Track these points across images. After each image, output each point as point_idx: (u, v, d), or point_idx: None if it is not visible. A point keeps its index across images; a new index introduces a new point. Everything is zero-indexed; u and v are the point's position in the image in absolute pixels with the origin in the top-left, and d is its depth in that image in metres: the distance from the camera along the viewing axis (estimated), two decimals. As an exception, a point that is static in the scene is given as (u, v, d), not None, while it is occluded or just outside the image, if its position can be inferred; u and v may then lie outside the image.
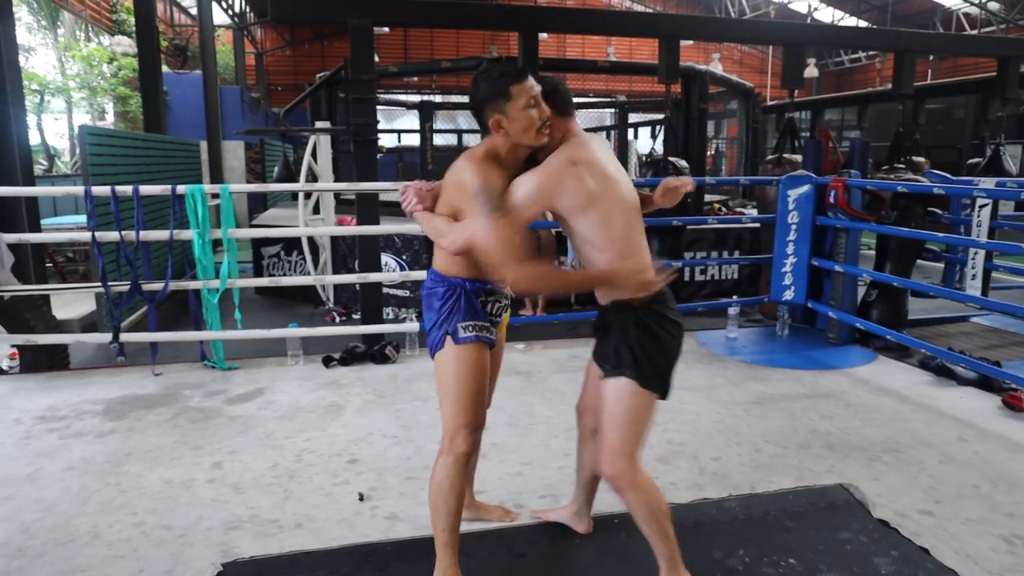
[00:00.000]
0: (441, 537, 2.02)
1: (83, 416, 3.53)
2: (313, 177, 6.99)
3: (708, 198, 9.28)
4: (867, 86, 22.37)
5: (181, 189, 4.14)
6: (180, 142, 9.62)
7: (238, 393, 3.90)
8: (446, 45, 23.51)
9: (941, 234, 4.97)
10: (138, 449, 3.14)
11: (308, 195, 7.10)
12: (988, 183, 5.19)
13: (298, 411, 3.62)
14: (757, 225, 7.07)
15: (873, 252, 5.38)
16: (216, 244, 4.36)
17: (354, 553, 2.31)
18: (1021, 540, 2.41)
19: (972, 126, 12.51)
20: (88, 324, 6.46)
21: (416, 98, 15.90)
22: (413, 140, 16.40)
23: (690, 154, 7.98)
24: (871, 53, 24.84)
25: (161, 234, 4.24)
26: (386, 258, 6.84)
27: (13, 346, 4.88)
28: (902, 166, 6.18)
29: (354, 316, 6.79)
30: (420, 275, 4.99)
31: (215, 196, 4.31)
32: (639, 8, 24.93)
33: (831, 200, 4.65)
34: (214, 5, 15.66)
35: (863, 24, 21.82)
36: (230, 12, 18.53)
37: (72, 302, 6.82)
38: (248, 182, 15.08)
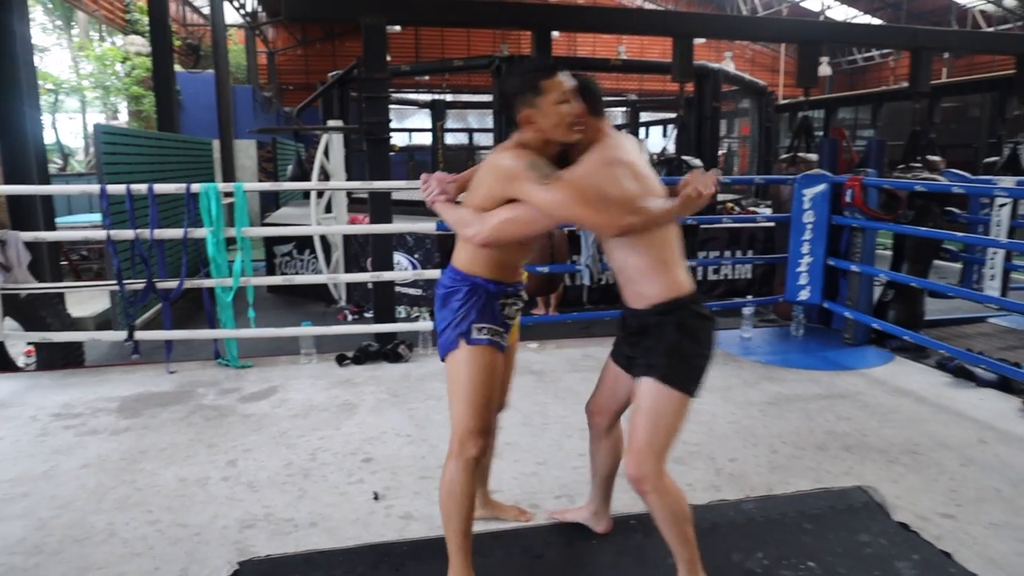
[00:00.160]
0: (454, 541, 2.00)
1: (98, 413, 3.55)
2: (325, 176, 7.00)
3: (721, 197, 9.23)
4: (881, 85, 22.19)
5: (195, 187, 4.15)
6: (193, 141, 9.66)
7: (252, 391, 3.90)
8: (457, 44, 23.51)
9: (960, 234, 4.91)
10: (153, 447, 3.14)
11: (320, 194, 7.11)
12: (1008, 182, 5.12)
13: (312, 409, 3.62)
14: (771, 224, 7.02)
15: (888, 252, 5.33)
16: (229, 242, 4.37)
17: (369, 553, 2.30)
18: (1045, 544, 2.38)
19: (988, 125, 12.38)
20: (103, 322, 6.50)
21: (427, 97, 15.91)
22: (424, 139, 16.41)
23: (703, 153, 7.95)
24: (885, 51, 24.64)
25: (175, 232, 4.25)
26: (398, 257, 6.84)
27: (29, 343, 4.91)
28: (918, 165, 6.12)
29: (366, 315, 6.80)
30: (433, 274, 4.98)
31: (228, 195, 4.31)
32: (650, 7, 24.83)
33: (847, 199, 4.60)
34: (226, 5, 15.72)
35: (877, 22, 21.64)
36: (242, 12, 18.60)
37: (87, 300, 6.87)
38: (260, 181, 15.14)
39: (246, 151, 15.47)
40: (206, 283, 4.30)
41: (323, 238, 7.04)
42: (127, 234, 4.15)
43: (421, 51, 23.44)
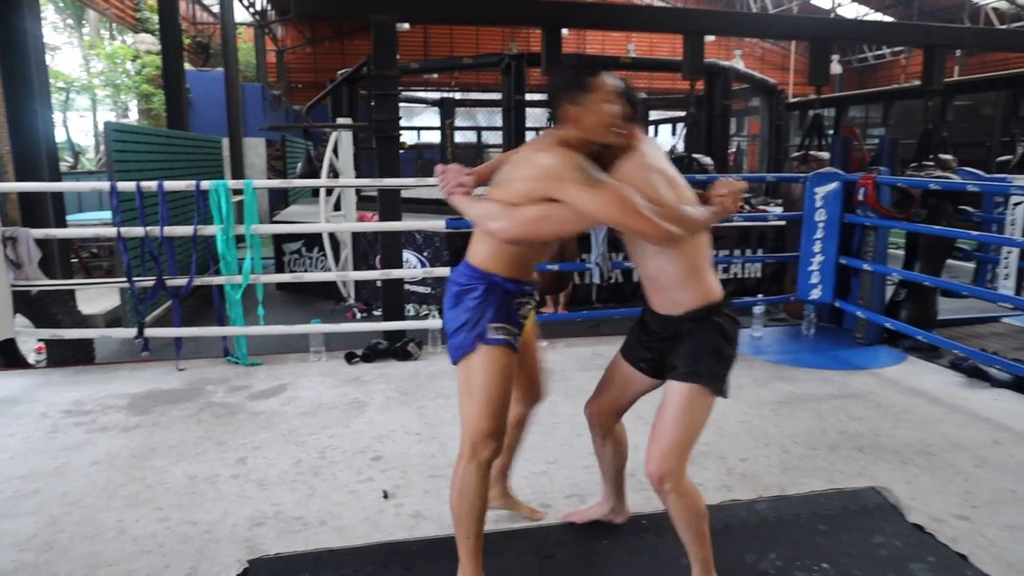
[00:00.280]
0: (465, 544, 1.98)
1: (108, 410, 3.55)
2: (335, 173, 7.00)
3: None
4: (892, 83, 22.03)
5: (205, 185, 4.15)
6: (202, 139, 9.69)
7: (261, 389, 3.90)
8: (466, 42, 23.51)
9: (975, 232, 4.86)
10: (163, 444, 3.15)
11: (330, 191, 7.11)
12: (1022, 180, 5.07)
13: (321, 407, 3.61)
14: (781, 223, 6.97)
15: (900, 251, 5.28)
16: (238, 240, 4.37)
17: (379, 551, 2.29)
18: (1063, 547, 2.34)
19: (1001, 123, 12.27)
20: (113, 319, 6.53)
21: (436, 95, 15.91)
22: (432, 137, 16.41)
23: (713, 151, 7.91)
24: (896, 49, 24.48)
25: (185, 230, 4.26)
26: (407, 255, 6.83)
27: (40, 340, 4.93)
28: (931, 163, 6.07)
29: (375, 312, 6.79)
30: (442, 271, 4.97)
31: (237, 192, 4.31)
32: (660, 4, 24.75)
33: (860, 198, 4.56)
34: (236, 3, 15.77)
35: (888, 20, 21.50)
36: (251, 10, 18.65)
37: (97, 297, 6.90)
38: (269, 179, 15.17)
39: (255, 149, 15.51)
40: (216, 280, 4.31)
41: (332, 236, 7.04)
42: (137, 231, 4.16)
43: (430, 49, 23.45)
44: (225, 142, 12.56)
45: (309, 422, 3.41)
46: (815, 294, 4.93)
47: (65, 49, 20.04)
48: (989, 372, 4.00)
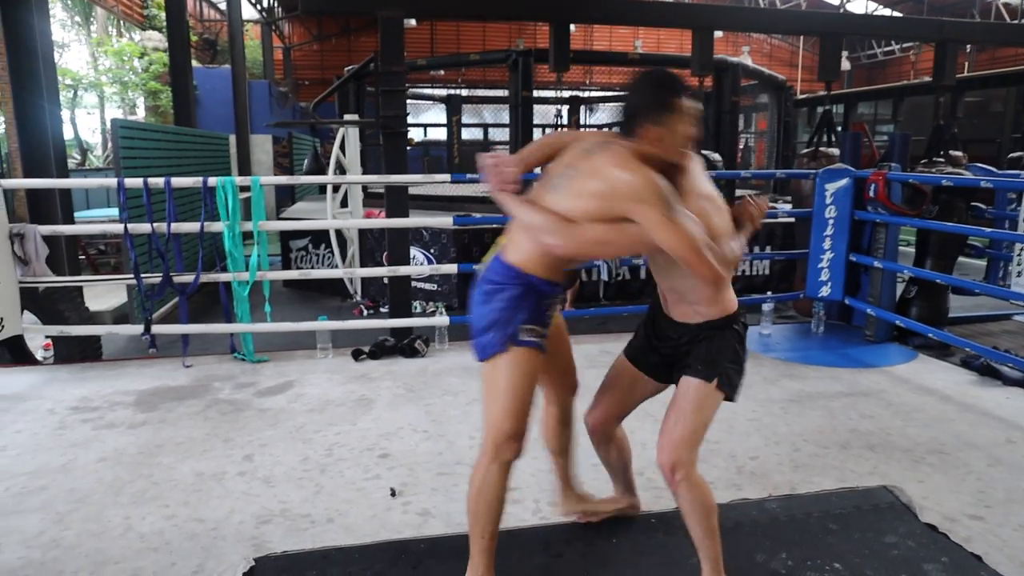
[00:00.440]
0: (479, 544, 1.95)
1: (115, 407, 3.55)
2: (341, 170, 6.99)
3: (738, 192, 9.14)
4: (901, 79, 21.89)
5: (212, 181, 4.14)
6: (209, 136, 9.70)
7: (268, 386, 3.89)
8: (472, 39, 23.48)
9: (988, 229, 4.81)
10: (169, 441, 3.14)
11: (336, 188, 7.11)
12: (1035, 176, 5.02)
13: (328, 404, 3.60)
14: (790, 220, 6.93)
15: (911, 248, 5.23)
16: (245, 237, 4.36)
17: (387, 549, 2.28)
18: (1079, 548, 2.31)
19: (1012, 119, 12.16)
20: (120, 316, 6.54)
21: (443, 92, 15.87)
22: (438, 134, 16.37)
23: (721, 148, 7.86)
24: (905, 45, 24.33)
25: (192, 226, 4.25)
26: (414, 251, 6.82)
27: (47, 337, 4.94)
28: (941, 160, 6.01)
29: (382, 309, 6.78)
30: (449, 268, 4.96)
31: (244, 189, 4.30)
32: None
33: (871, 194, 4.52)
34: (243, 0, 15.77)
35: (897, 15, 21.35)
36: (258, 7, 18.66)
37: (104, 294, 6.90)
38: (276, 176, 15.18)
39: (262, 146, 15.53)
40: (222, 277, 4.30)
41: (339, 232, 7.03)
42: (144, 228, 4.15)
43: (436, 46, 23.44)
44: (232, 139, 12.57)
45: (316, 419, 3.40)
46: (825, 291, 4.89)
47: (73, 46, 20.10)
48: (1001, 370, 3.96)
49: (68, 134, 16.82)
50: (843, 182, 4.73)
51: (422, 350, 4.42)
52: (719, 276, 1.77)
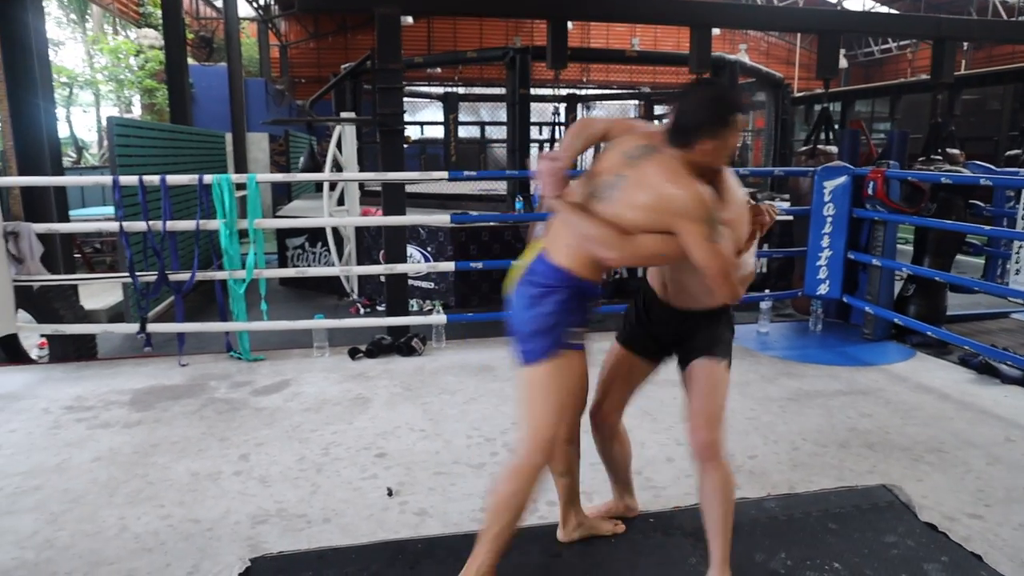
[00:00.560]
0: (492, 543, 1.91)
1: (110, 406, 3.53)
2: (338, 168, 6.96)
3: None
4: (897, 77, 21.90)
5: (208, 179, 4.12)
6: (206, 134, 9.66)
7: (264, 385, 3.87)
8: (469, 36, 23.43)
9: (987, 227, 4.80)
10: (165, 440, 3.12)
11: (333, 186, 7.08)
12: (1033, 174, 5.01)
13: (324, 403, 3.58)
14: (788, 218, 6.92)
15: (909, 247, 5.22)
16: (241, 235, 4.34)
17: (384, 550, 2.26)
18: (1079, 547, 2.30)
19: (1009, 117, 12.17)
20: (115, 314, 6.51)
21: (440, 90, 15.84)
22: (435, 132, 16.35)
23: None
24: (902, 43, 24.34)
25: (188, 224, 4.22)
26: (411, 250, 6.80)
27: (42, 336, 4.91)
28: (939, 158, 6.01)
29: (379, 308, 6.76)
30: (446, 266, 4.94)
31: (240, 187, 4.28)
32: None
33: (870, 192, 4.51)
34: (239, -3, 15.71)
35: (895, 13, 21.35)
36: (255, 4, 18.60)
37: (99, 292, 6.87)
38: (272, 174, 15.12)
39: (258, 144, 15.47)
40: (218, 275, 4.28)
41: (335, 230, 7.00)
42: (139, 226, 4.13)
43: (433, 44, 23.38)
44: (228, 137, 12.52)
45: (312, 418, 3.38)
46: (823, 289, 4.88)
47: (68, 44, 20.01)
48: (999, 368, 3.96)
49: (64, 132, 16.75)
50: (841, 180, 4.72)
51: (419, 349, 4.41)
52: (737, 296, 1.86)
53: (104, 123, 16.94)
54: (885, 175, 4.45)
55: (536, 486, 1.92)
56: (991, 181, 4.37)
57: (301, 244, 7.93)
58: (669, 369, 2.20)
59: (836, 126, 6.38)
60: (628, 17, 7.07)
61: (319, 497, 2.62)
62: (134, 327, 4.23)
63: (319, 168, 7.97)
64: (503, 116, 9.46)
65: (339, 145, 6.92)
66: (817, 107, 6.66)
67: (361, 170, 7.66)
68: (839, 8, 21.87)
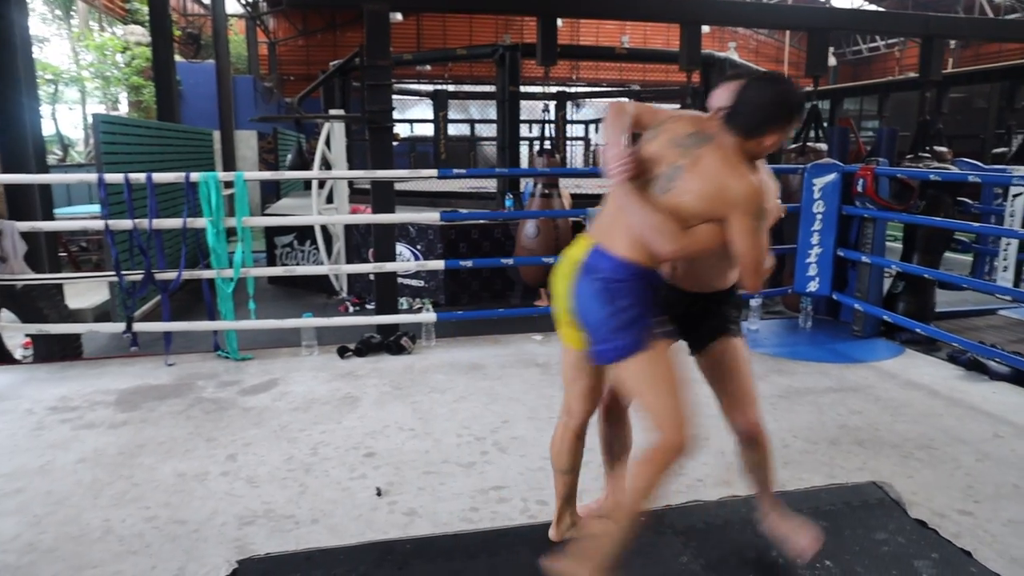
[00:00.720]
0: (630, 525, 1.89)
1: (96, 407, 3.48)
2: (327, 166, 6.92)
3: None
4: (886, 75, 22.02)
5: (195, 176, 4.08)
6: (193, 131, 9.58)
7: (252, 384, 3.84)
8: (459, 34, 23.39)
9: (976, 224, 4.83)
10: (151, 441, 3.08)
11: (322, 184, 7.04)
12: (1022, 171, 5.03)
13: (313, 403, 3.55)
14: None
15: (898, 244, 5.24)
16: (229, 233, 4.30)
17: (372, 550, 2.24)
18: (1068, 543, 2.31)
19: (996, 115, 12.25)
20: (101, 313, 6.44)
21: (429, 88, 15.79)
22: (424, 130, 16.30)
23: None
24: (891, 42, 24.48)
25: (174, 222, 4.18)
26: (400, 248, 6.77)
27: (27, 335, 4.85)
28: (927, 155, 6.02)
29: (368, 306, 6.73)
30: (436, 265, 4.92)
31: (228, 185, 4.24)
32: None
33: (859, 189, 4.52)
34: (227, -6, 15.59)
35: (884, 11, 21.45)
36: (243, 1, 18.48)
37: (85, 292, 6.80)
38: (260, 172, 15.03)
39: (247, 142, 15.39)
40: (206, 274, 4.24)
41: (324, 228, 6.96)
42: (125, 224, 4.08)
43: (423, 41, 23.33)
44: (216, 135, 12.42)
45: (301, 418, 3.35)
46: (813, 287, 4.89)
47: (54, 41, 19.80)
48: (988, 365, 3.97)
49: (50, 130, 16.58)
50: (831, 177, 4.73)
51: (408, 347, 4.38)
52: (760, 287, 1.91)
53: (90, 120, 16.80)
54: (874, 172, 4.46)
55: (675, 467, 1.91)
56: (979, 178, 4.39)
57: (290, 242, 7.89)
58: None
59: (825, 124, 6.40)
60: (618, 14, 7.08)
61: (307, 497, 2.59)
62: (120, 326, 4.18)
63: (307, 166, 7.93)
64: (493, 114, 9.45)
65: (328, 142, 6.88)
66: (809, 104, 6.67)
67: (350, 168, 7.62)
68: (828, 6, 21.96)
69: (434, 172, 4.96)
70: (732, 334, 2.12)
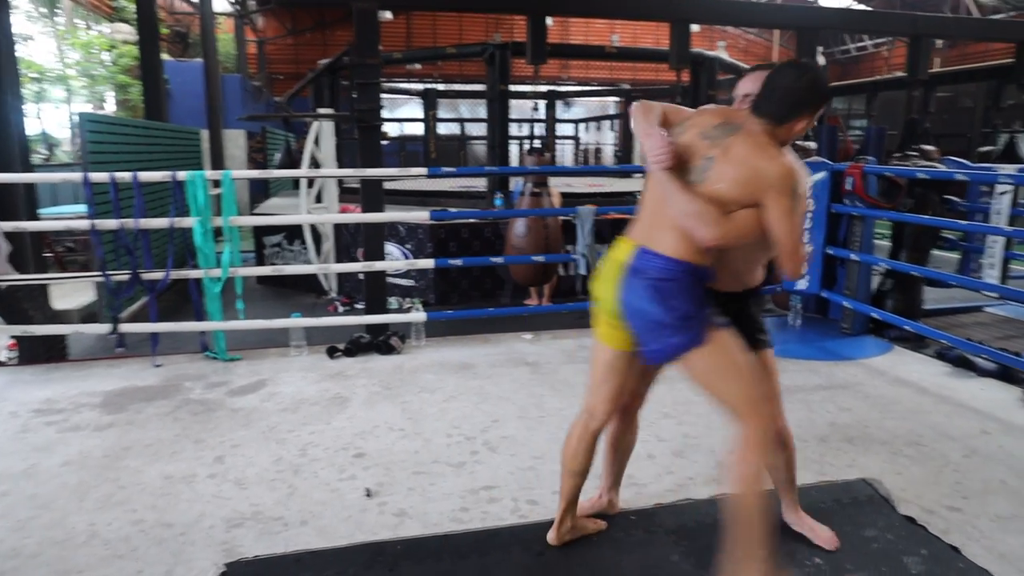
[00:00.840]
0: (755, 550, 1.88)
1: (81, 409, 3.45)
2: (316, 165, 6.88)
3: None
4: (874, 75, 22.14)
5: (182, 175, 4.04)
6: (181, 130, 9.50)
7: (240, 385, 3.81)
8: (449, 32, 23.31)
9: (963, 222, 4.85)
10: (137, 443, 3.05)
11: (311, 183, 7.00)
12: (1010, 170, 5.07)
13: (302, 403, 3.53)
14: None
15: (886, 242, 5.27)
16: (217, 233, 4.26)
17: (362, 552, 2.22)
18: (1055, 538, 2.32)
19: (981, 114, 12.35)
20: (87, 314, 6.37)
21: (419, 86, 15.76)
22: (415, 130, 16.28)
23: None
24: (879, 41, 24.61)
25: (161, 222, 4.14)
26: (390, 247, 6.74)
27: (11, 337, 4.79)
28: (914, 154, 6.06)
29: (357, 306, 6.70)
30: (426, 264, 4.90)
31: (216, 184, 4.20)
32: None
33: (848, 187, 4.54)
34: (214, -8, 15.48)
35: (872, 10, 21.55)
36: (231, -1, 18.36)
37: (72, 292, 6.73)
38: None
39: (235, 141, 15.30)
40: (193, 274, 4.20)
41: (313, 228, 6.92)
42: (111, 224, 4.04)
43: (413, 39, 23.24)
44: (204, 134, 12.33)
45: (289, 419, 3.33)
46: (802, 284, 4.90)
47: (39, 38, 19.60)
48: (975, 362, 3.99)
49: (35, 129, 16.42)
50: (820, 176, 4.74)
51: (398, 347, 4.36)
52: (799, 273, 1.88)
53: (76, 119, 16.65)
54: (863, 171, 4.48)
55: (768, 456, 1.97)
56: (966, 176, 4.41)
57: (278, 242, 7.84)
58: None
59: (816, 122, 6.42)
60: (607, 12, 7.07)
61: (296, 499, 2.57)
62: (106, 327, 4.14)
63: (295, 165, 7.89)
64: (483, 112, 9.44)
65: (317, 141, 6.84)
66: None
67: (339, 167, 7.59)
68: (817, 6, 22.05)
69: (424, 171, 4.94)
70: (764, 345, 2.14)
